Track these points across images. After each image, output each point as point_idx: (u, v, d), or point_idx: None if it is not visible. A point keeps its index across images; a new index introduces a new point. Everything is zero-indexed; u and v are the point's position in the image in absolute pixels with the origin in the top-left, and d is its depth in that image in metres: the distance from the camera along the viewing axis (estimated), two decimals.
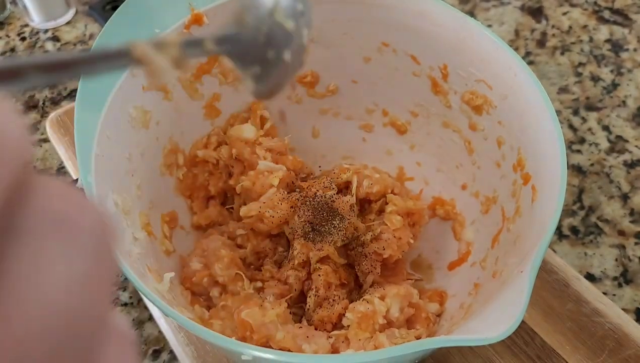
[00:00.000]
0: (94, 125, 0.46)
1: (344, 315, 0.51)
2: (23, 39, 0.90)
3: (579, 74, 0.81)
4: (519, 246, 0.47)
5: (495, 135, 0.55)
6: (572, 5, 0.90)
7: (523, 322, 0.54)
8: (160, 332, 0.58)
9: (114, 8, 0.61)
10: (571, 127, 0.75)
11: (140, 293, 0.41)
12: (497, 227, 0.54)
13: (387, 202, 0.58)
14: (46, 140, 0.74)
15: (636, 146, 0.73)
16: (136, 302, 0.62)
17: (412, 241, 0.56)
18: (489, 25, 0.84)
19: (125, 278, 0.40)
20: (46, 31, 0.90)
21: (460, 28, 0.53)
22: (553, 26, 0.87)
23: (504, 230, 0.52)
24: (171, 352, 0.57)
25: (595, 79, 0.80)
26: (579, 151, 0.72)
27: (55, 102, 0.81)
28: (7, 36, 0.90)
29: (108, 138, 0.47)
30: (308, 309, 0.53)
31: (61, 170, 0.73)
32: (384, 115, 0.65)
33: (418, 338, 0.50)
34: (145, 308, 0.61)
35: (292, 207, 0.55)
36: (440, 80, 0.58)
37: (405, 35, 0.57)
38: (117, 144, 0.49)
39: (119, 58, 0.23)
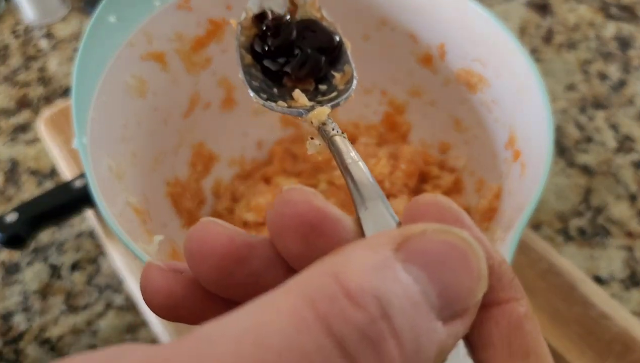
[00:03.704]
0: (92, 89, 0.46)
1: None
2: (17, 36, 0.89)
3: (585, 72, 0.79)
4: (506, 220, 0.48)
5: (488, 113, 0.55)
6: (579, 2, 0.89)
7: None
8: (154, 338, 0.57)
9: None
10: (578, 125, 0.73)
11: (129, 249, 0.40)
12: (487, 204, 0.54)
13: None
14: (39, 140, 0.73)
15: None
16: (131, 306, 0.60)
17: None
18: None
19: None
20: (40, 28, 0.89)
21: (459, 7, 0.53)
22: (559, 23, 0.86)
23: (494, 206, 0.53)
24: None
25: (602, 76, 0.79)
26: (585, 150, 0.71)
27: (49, 101, 0.80)
28: (1, 34, 0.89)
29: (105, 104, 0.47)
30: None
31: (54, 171, 0.72)
32: (383, 95, 0.65)
33: None
34: (140, 313, 0.59)
35: None
36: (438, 59, 0.58)
37: (405, 14, 0.57)
38: (114, 110, 0.49)
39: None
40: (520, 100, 0.50)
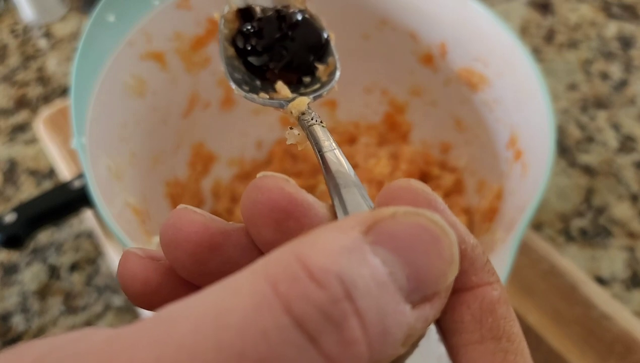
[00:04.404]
0: (90, 89, 0.46)
1: None
2: (16, 35, 0.88)
3: (587, 72, 0.79)
4: (507, 221, 0.48)
5: (490, 113, 0.55)
6: (580, 1, 0.88)
7: (529, 326, 0.54)
8: None
9: None
10: (579, 125, 0.73)
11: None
12: (488, 204, 0.54)
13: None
14: (38, 140, 0.72)
15: None
16: (130, 307, 0.60)
17: None
18: None
19: None
20: (39, 27, 0.89)
21: (460, 6, 0.53)
22: (560, 22, 0.85)
23: (496, 207, 0.53)
24: None
25: (603, 76, 0.78)
26: (587, 151, 0.70)
27: (48, 100, 0.79)
28: None
29: (104, 104, 0.47)
30: None
31: (53, 172, 0.71)
32: (383, 95, 0.65)
33: None
34: (139, 314, 0.59)
35: None
36: (439, 58, 0.58)
37: (405, 13, 0.57)
38: (113, 110, 0.49)
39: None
40: (521, 100, 0.50)
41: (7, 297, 0.62)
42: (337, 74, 0.29)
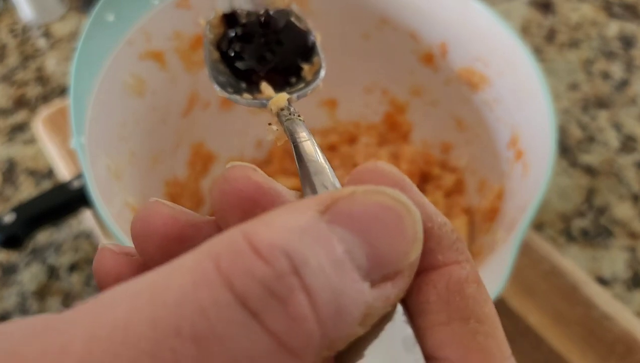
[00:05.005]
0: (90, 88, 0.46)
1: None
2: (15, 35, 0.88)
3: (588, 71, 0.79)
4: (508, 221, 0.48)
5: (490, 113, 0.55)
6: (581, 0, 0.88)
7: (530, 326, 0.54)
8: None
9: None
10: (580, 125, 0.73)
11: None
12: (489, 204, 0.54)
13: None
14: (37, 140, 0.72)
15: None
16: None
17: None
18: None
19: None
20: (38, 27, 0.89)
21: (461, 5, 0.53)
22: (561, 22, 0.85)
23: (496, 207, 0.53)
24: None
25: (604, 76, 0.78)
26: (588, 150, 0.70)
27: (47, 100, 0.79)
28: None
29: (103, 103, 0.47)
30: None
31: (52, 172, 0.71)
32: (384, 94, 0.65)
33: None
34: None
35: None
36: (439, 58, 0.58)
37: (405, 12, 0.57)
38: (112, 109, 0.49)
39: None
40: (522, 100, 0.50)
41: (6, 297, 0.62)
42: (322, 72, 0.29)
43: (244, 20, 0.30)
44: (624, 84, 0.77)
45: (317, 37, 0.30)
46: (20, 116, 0.79)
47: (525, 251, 0.58)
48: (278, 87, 0.28)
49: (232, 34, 0.30)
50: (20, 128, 0.77)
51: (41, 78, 0.83)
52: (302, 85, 0.29)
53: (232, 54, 0.29)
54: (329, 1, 0.58)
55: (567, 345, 0.53)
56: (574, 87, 0.77)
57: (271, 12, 0.30)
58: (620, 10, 0.86)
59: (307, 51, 0.30)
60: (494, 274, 0.40)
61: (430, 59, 0.58)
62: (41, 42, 0.87)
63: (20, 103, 0.80)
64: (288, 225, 0.15)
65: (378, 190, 0.17)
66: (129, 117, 0.51)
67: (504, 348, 0.17)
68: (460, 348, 0.17)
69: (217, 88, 0.28)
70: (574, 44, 0.83)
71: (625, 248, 0.62)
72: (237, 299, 0.14)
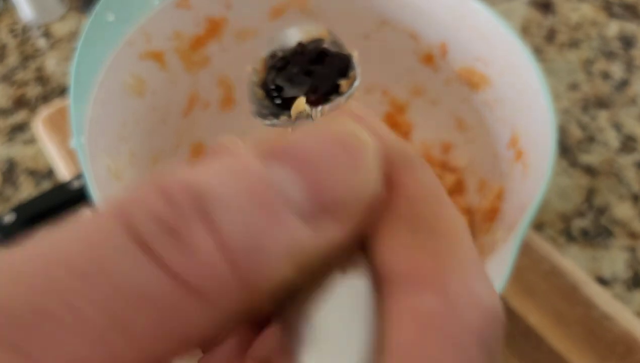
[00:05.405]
0: (89, 88, 0.46)
1: None
2: (15, 35, 0.88)
3: (588, 71, 0.79)
4: (508, 221, 0.48)
5: (490, 113, 0.55)
6: (581, 0, 0.88)
7: (530, 326, 0.54)
8: None
9: None
10: (580, 125, 0.73)
11: None
12: (489, 204, 0.54)
13: None
14: (37, 140, 0.72)
15: None
16: None
17: None
18: None
19: None
20: (38, 27, 0.89)
21: (460, 5, 0.53)
22: (562, 22, 0.85)
23: (496, 207, 0.53)
24: None
25: (605, 76, 0.78)
26: (588, 150, 0.70)
27: (47, 100, 0.79)
28: None
29: (103, 103, 0.47)
30: None
31: (52, 172, 0.71)
32: (384, 95, 0.65)
33: None
34: None
35: None
36: (439, 58, 0.58)
37: (405, 12, 0.57)
38: (112, 109, 0.49)
39: None
40: (522, 100, 0.50)
41: None
42: (357, 82, 0.30)
43: (280, 54, 0.30)
44: (624, 84, 0.77)
45: (354, 54, 0.31)
46: (20, 116, 0.79)
47: (525, 251, 0.58)
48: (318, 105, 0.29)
49: (273, 72, 0.30)
50: (20, 128, 0.77)
51: (41, 78, 0.83)
52: (338, 98, 0.29)
53: (274, 88, 0.30)
54: (329, 1, 0.58)
55: (567, 345, 0.53)
56: (574, 87, 0.77)
57: (305, 43, 0.30)
58: (620, 10, 0.86)
59: (344, 70, 0.30)
60: (494, 274, 0.40)
61: (430, 59, 0.58)
62: (41, 42, 0.87)
63: (20, 103, 0.80)
64: (209, 167, 0.14)
65: (326, 123, 0.16)
66: (129, 117, 0.51)
67: (463, 252, 0.15)
68: (408, 260, 0.15)
69: (267, 123, 0.28)
70: (574, 44, 0.83)
71: (625, 248, 0.62)
72: (132, 236, 0.13)
